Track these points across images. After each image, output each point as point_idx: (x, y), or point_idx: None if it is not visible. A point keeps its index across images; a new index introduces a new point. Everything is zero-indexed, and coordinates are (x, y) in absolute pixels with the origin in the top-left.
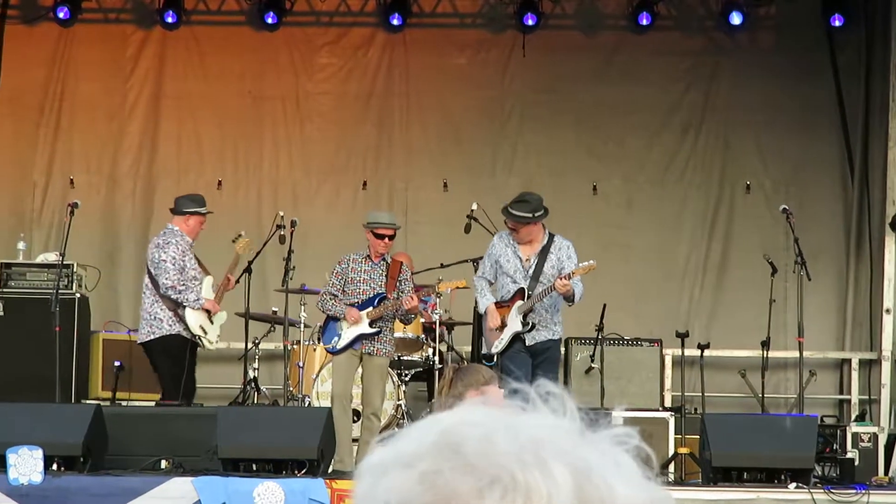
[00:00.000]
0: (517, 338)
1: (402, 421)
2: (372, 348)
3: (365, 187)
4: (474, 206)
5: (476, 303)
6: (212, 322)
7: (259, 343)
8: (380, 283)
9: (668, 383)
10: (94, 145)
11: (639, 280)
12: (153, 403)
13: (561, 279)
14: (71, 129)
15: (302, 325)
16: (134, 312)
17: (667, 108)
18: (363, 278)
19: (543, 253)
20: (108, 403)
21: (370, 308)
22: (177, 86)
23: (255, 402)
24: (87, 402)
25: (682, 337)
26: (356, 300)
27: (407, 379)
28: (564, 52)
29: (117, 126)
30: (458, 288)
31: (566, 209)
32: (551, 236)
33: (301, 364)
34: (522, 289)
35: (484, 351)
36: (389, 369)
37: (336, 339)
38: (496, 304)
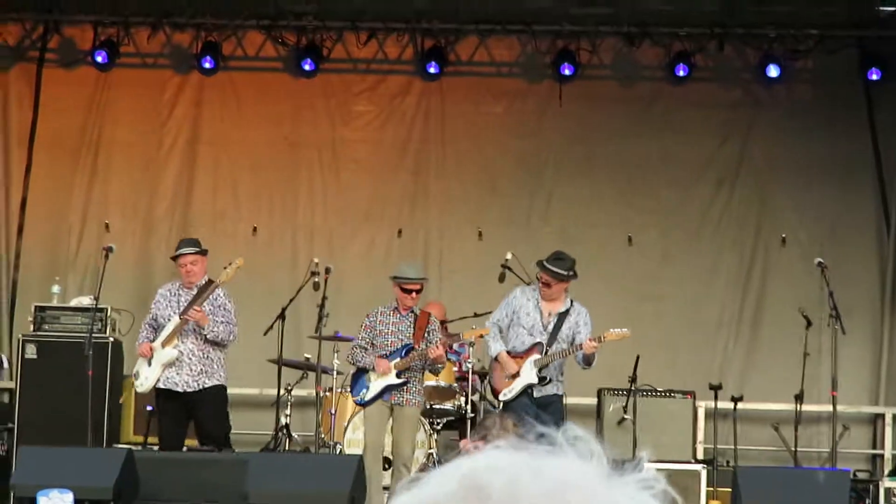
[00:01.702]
0: (524, 390)
1: (433, 470)
2: (401, 399)
3: (400, 235)
4: (509, 256)
5: (488, 347)
6: (149, 365)
7: (292, 389)
8: (408, 335)
9: (700, 435)
10: (129, 190)
11: (673, 332)
12: (185, 448)
13: (591, 340)
14: (107, 174)
15: (335, 372)
16: None
17: (703, 161)
18: (391, 330)
19: (563, 315)
20: (139, 448)
21: (397, 359)
22: (213, 131)
23: (287, 448)
24: (119, 446)
25: (716, 389)
26: (384, 352)
27: (439, 427)
28: (601, 102)
29: (153, 171)
30: (482, 336)
31: (601, 260)
32: (571, 301)
33: (333, 411)
34: (540, 343)
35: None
36: (421, 418)
37: (364, 391)
38: (507, 353)
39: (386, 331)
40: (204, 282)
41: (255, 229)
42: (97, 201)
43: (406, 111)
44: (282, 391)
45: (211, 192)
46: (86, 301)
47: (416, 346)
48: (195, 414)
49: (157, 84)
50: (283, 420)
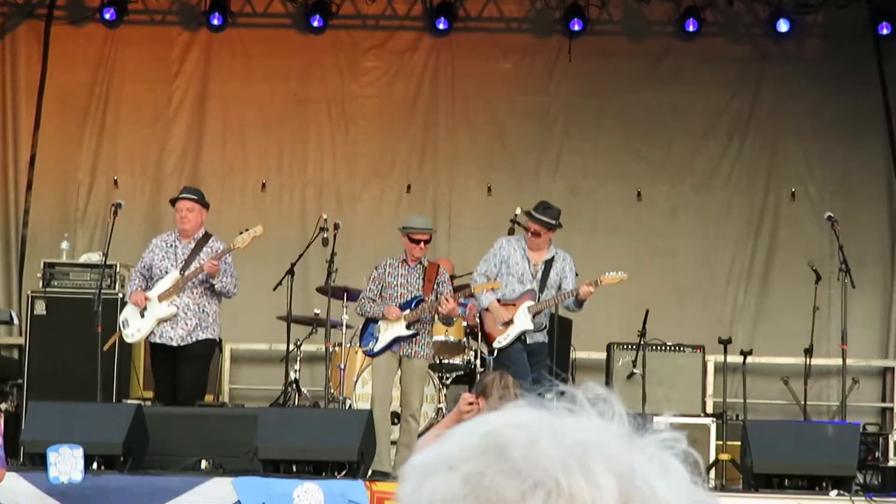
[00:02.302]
0: (519, 337)
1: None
2: (410, 351)
3: (409, 191)
4: (518, 211)
5: (478, 299)
6: (142, 316)
7: (301, 345)
8: (417, 287)
9: (710, 389)
10: (138, 146)
11: (682, 286)
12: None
13: (588, 285)
14: (116, 130)
15: (344, 328)
16: None
17: (712, 115)
18: (400, 282)
19: (550, 262)
20: (149, 403)
21: (407, 311)
22: (222, 88)
23: (296, 403)
24: (129, 401)
25: (725, 343)
26: (392, 303)
27: (448, 382)
28: (610, 57)
29: (162, 127)
30: (492, 289)
31: (610, 214)
32: (556, 249)
33: (342, 366)
34: (532, 290)
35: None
36: (430, 372)
37: (374, 341)
38: (498, 301)
39: (395, 283)
40: (201, 235)
41: (263, 185)
42: (106, 157)
43: (415, 67)
44: (291, 346)
45: (220, 149)
46: (94, 257)
47: (426, 298)
48: (178, 365)
49: (165, 41)
50: (292, 375)
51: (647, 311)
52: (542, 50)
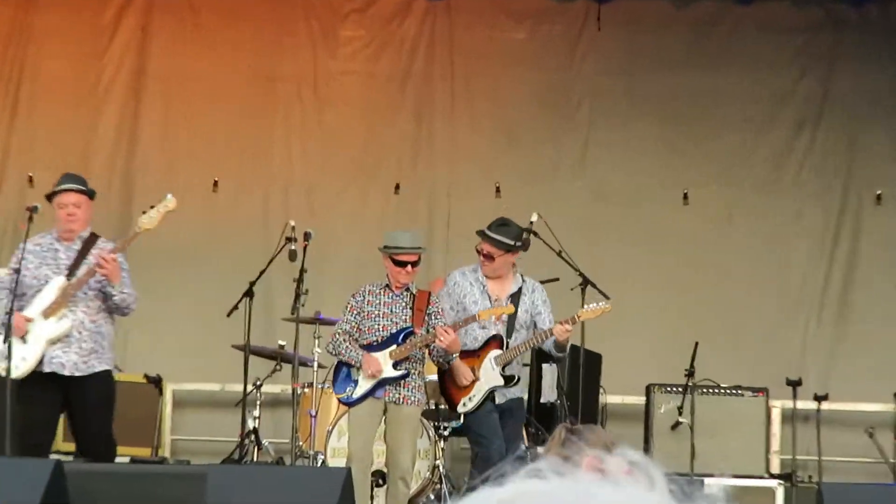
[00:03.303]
0: (488, 396)
1: (438, 486)
2: (397, 396)
3: (397, 192)
4: (534, 218)
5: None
6: (24, 341)
7: (261, 385)
8: (403, 318)
9: (775, 443)
10: (59, 136)
11: (739, 313)
12: (128, 459)
13: (563, 323)
14: (31, 116)
15: (315, 364)
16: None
17: (776, 98)
18: (383, 312)
19: (517, 296)
20: (70, 458)
21: (393, 346)
22: (165, 63)
23: (256, 459)
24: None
25: (794, 385)
26: (375, 338)
27: (446, 433)
28: (649, 26)
29: (89, 111)
30: (501, 318)
31: (648, 223)
32: (522, 277)
33: (314, 413)
34: (499, 336)
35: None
36: (423, 421)
37: (351, 386)
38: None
39: (376, 312)
40: (88, 235)
41: (215, 183)
42: (18, 150)
43: (405, 38)
44: (249, 387)
45: (161, 139)
46: (3, 273)
47: (417, 331)
48: (77, 405)
49: (94, 4)
50: (250, 423)
51: (697, 345)
52: (563, 16)
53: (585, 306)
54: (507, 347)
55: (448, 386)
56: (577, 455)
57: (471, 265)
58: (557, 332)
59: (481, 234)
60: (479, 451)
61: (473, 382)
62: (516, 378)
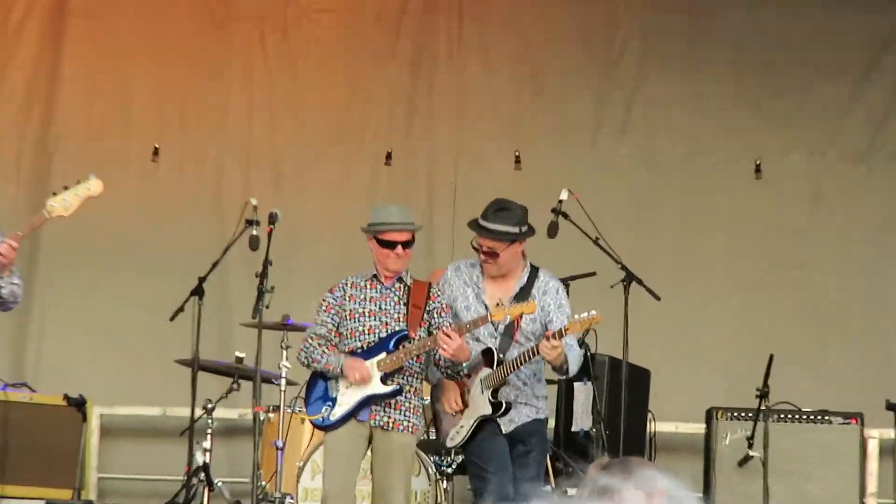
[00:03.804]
0: (479, 425)
1: None
2: (387, 419)
3: (389, 162)
4: (564, 196)
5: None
6: None
7: (213, 409)
8: (396, 316)
9: (872, 484)
10: None
11: (827, 318)
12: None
13: (549, 338)
14: None
15: (283, 382)
16: (13, 355)
17: (877, 42)
18: (370, 310)
19: (523, 295)
20: None
21: (382, 355)
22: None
23: (206, 502)
24: None
25: None
26: (359, 344)
27: (450, 471)
28: None
29: None
30: (521, 317)
31: (711, 199)
32: (534, 270)
33: (280, 444)
34: (490, 350)
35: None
36: (419, 453)
37: (328, 405)
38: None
39: (360, 311)
40: None
41: (156, 150)
42: None
43: None
44: (197, 412)
45: (86, 92)
46: None
47: (412, 334)
48: None
49: None
50: (199, 458)
51: (772, 359)
52: None
53: (575, 316)
54: (497, 365)
55: (437, 411)
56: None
57: (469, 260)
58: (543, 350)
59: (475, 226)
60: (475, 488)
61: (463, 410)
62: (504, 406)
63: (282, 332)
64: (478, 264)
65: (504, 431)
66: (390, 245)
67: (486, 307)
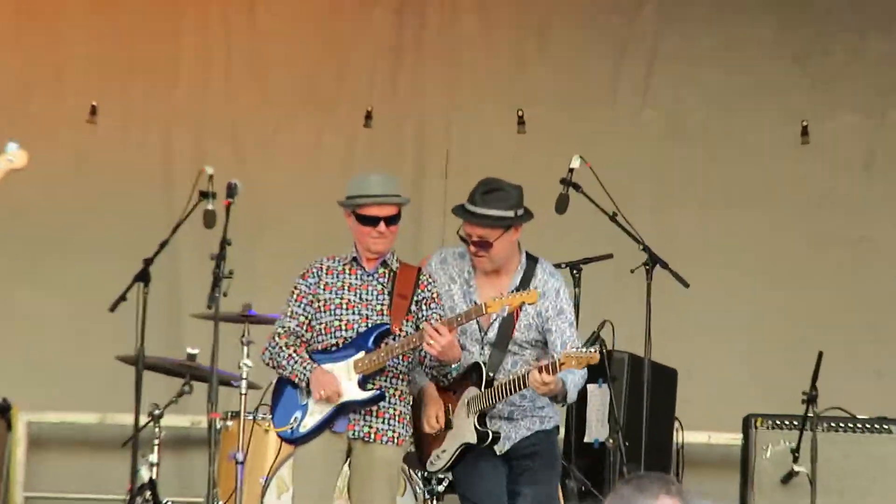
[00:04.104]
0: (462, 451)
1: None
2: (367, 429)
3: (369, 124)
4: (575, 164)
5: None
6: None
7: (161, 416)
8: (378, 307)
9: None
10: None
11: (884, 307)
12: None
13: (541, 369)
14: None
15: (244, 385)
16: None
17: None
18: (348, 299)
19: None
20: None
21: (361, 353)
22: None
23: None
24: None
25: None
26: (335, 340)
27: (441, 488)
28: None
29: None
30: (521, 307)
31: (748, 171)
32: (531, 262)
33: (240, 456)
34: (478, 366)
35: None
36: (405, 469)
37: (297, 414)
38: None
39: (337, 301)
40: None
41: (93, 109)
42: None
43: None
44: (143, 419)
45: (9, 45)
46: None
47: (396, 329)
48: None
49: None
50: (144, 474)
51: (821, 357)
52: None
53: (573, 349)
54: (485, 386)
55: (419, 427)
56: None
57: (458, 248)
58: (532, 384)
59: (461, 212)
60: None
61: (446, 430)
62: (491, 437)
63: (242, 324)
64: (468, 255)
65: (499, 452)
66: (371, 221)
67: (476, 305)
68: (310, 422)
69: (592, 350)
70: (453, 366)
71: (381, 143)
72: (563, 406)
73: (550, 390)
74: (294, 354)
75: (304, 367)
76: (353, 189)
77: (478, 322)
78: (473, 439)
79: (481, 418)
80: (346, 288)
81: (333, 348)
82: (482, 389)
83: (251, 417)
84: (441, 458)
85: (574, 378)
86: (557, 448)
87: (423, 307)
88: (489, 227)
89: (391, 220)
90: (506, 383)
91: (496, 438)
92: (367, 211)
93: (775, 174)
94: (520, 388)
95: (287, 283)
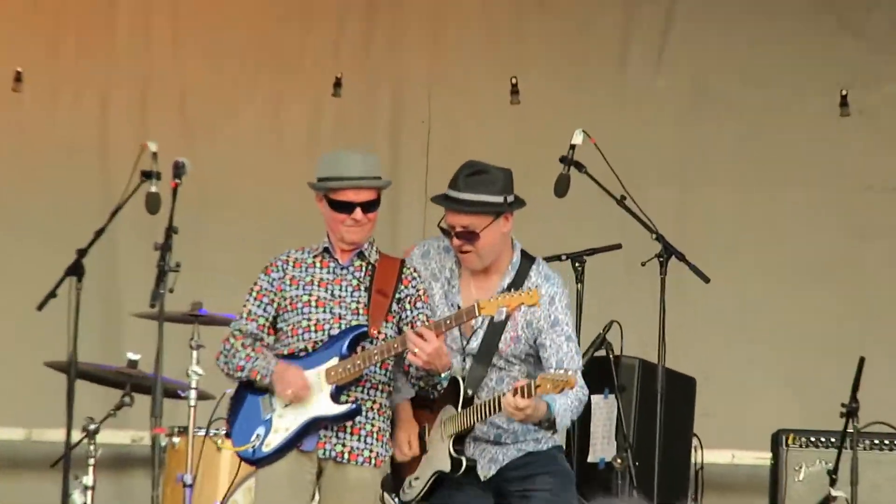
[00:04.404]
0: (436, 480)
1: None
2: (340, 448)
3: (338, 92)
4: (577, 139)
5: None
6: None
7: (97, 431)
8: (354, 307)
9: None
10: None
11: None
12: None
13: (516, 395)
14: None
15: (192, 395)
16: None
17: None
18: (318, 297)
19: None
20: None
21: (334, 360)
22: None
23: None
24: None
25: None
26: (303, 345)
27: None
28: None
29: None
30: (520, 308)
31: (777, 147)
32: (527, 261)
33: (188, 479)
34: (456, 380)
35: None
36: (387, 498)
37: (261, 431)
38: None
39: (306, 298)
40: None
41: (18, 76)
42: None
43: None
44: (76, 435)
45: None
46: None
47: (375, 332)
48: None
49: None
50: (77, 498)
51: (862, 363)
52: None
53: (550, 371)
54: (462, 404)
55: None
56: None
57: (442, 241)
58: (506, 408)
59: (443, 200)
60: None
61: (421, 455)
62: (464, 465)
63: (191, 326)
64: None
65: (483, 477)
66: (346, 207)
67: (462, 308)
68: (274, 440)
69: (571, 373)
70: (442, 375)
71: (352, 114)
72: (553, 434)
73: (528, 416)
74: (253, 353)
75: (266, 363)
76: (326, 169)
77: (459, 328)
78: (447, 467)
79: (458, 441)
80: (315, 283)
81: (302, 353)
82: (458, 409)
83: (202, 433)
84: (414, 486)
85: (567, 401)
86: (565, 464)
87: (407, 306)
88: (475, 214)
89: (369, 207)
90: (483, 404)
91: (471, 467)
92: (342, 196)
93: (810, 152)
94: (496, 412)
95: (243, 277)
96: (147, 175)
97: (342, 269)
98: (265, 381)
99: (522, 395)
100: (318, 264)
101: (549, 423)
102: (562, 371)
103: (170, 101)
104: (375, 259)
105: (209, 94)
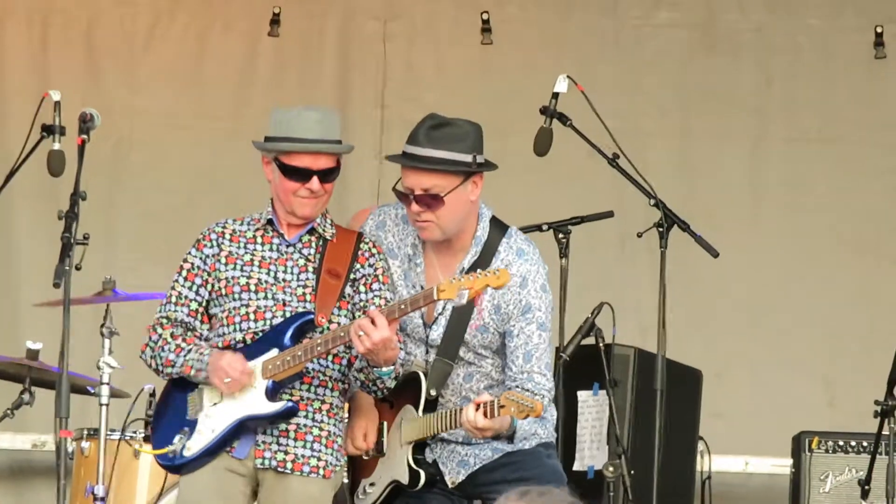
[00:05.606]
0: (392, 490)
1: None
2: (282, 456)
3: (275, 29)
4: (561, 87)
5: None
6: None
7: None
8: (300, 291)
9: None
10: None
11: None
12: None
13: (477, 408)
14: None
15: (104, 392)
16: None
17: None
18: (259, 279)
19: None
20: None
21: (274, 352)
22: None
23: None
24: None
25: None
26: (241, 335)
27: None
28: None
29: None
30: (492, 289)
31: (801, 92)
32: (497, 231)
33: (100, 490)
34: (416, 377)
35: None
36: None
37: (185, 433)
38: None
39: (244, 280)
40: None
41: None
42: None
43: None
44: None
45: None
46: None
47: (322, 320)
48: None
49: None
50: None
51: None
52: None
53: (513, 394)
54: (424, 407)
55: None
56: None
57: (399, 208)
58: (463, 424)
59: (401, 157)
60: None
61: (378, 456)
62: (424, 479)
63: (103, 308)
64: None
65: (452, 483)
66: (301, 175)
67: (423, 287)
68: (197, 443)
69: (537, 398)
70: (384, 370)
71: (292, 57)
72: (510, 442)
73: (484, 436)
74: (184, 344)
75: (199, 354)
76: (279, 128)
77: (421, 316)
78: (404, 478)
79: (417, 450)
80: (256, 263)
81: (239, 345)
82: (419, 413)
83: (116, 436)
84: (369, 493)
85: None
86: (555, 466)
87: (362, 288)
88: (439, 173)
89: (327, 175)
90: (444, 415)
91: (430, 481)
92: (297, 160)
93: (841, 100)
94: (456, 426)
95: (164, 251)
96: (49, 130)
97: (288, 245)
98: (201, 375)
99: (484, 414)
100: (259, 239)
101: (509, 435)
102: (528, 393)
103: (73, 35)
104: (331, 235)
105: (120, 28)
